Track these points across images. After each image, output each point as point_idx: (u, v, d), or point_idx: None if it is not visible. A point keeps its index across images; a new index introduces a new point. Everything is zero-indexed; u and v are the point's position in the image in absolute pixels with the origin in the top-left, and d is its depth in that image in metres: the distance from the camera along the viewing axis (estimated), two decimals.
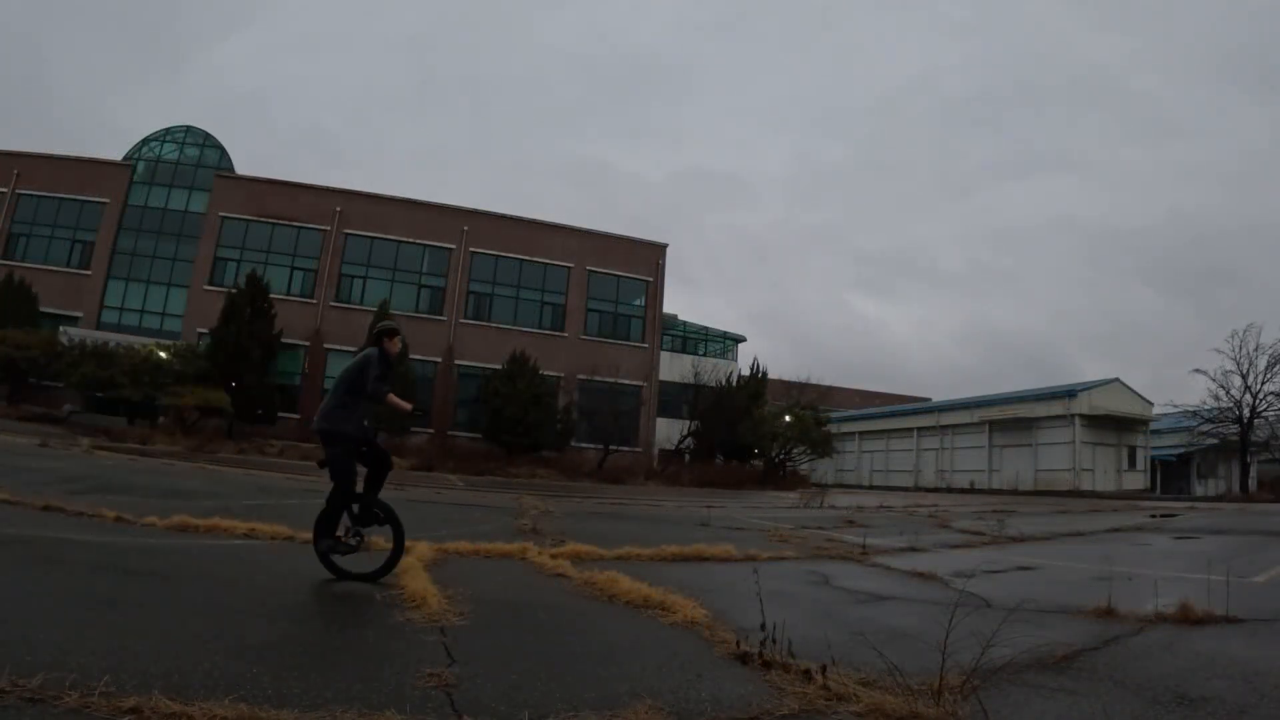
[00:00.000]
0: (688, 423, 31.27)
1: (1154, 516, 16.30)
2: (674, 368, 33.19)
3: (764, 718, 2.75)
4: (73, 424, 20.67)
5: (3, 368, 21.88)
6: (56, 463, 11.23)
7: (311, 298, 27.14)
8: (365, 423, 5.14)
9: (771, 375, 34.13)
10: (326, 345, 26.43)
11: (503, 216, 29.55)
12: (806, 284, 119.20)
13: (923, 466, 46.56)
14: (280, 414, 24.65)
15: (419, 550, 5.70)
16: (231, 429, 22.96)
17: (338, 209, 27.67)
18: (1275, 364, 33.71)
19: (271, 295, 24.99)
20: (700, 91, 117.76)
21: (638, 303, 30.86)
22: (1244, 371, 34.47)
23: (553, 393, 26.99)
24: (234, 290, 24.53)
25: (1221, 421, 35.50)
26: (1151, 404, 40.20)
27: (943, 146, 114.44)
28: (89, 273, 26.11)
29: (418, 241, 28.33)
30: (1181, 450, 41.38)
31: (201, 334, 24.92)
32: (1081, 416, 37.98)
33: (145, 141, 28.06)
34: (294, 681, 2.73)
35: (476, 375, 27.38)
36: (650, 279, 30.87)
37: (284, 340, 25.24)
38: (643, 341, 30.45)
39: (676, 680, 3.12)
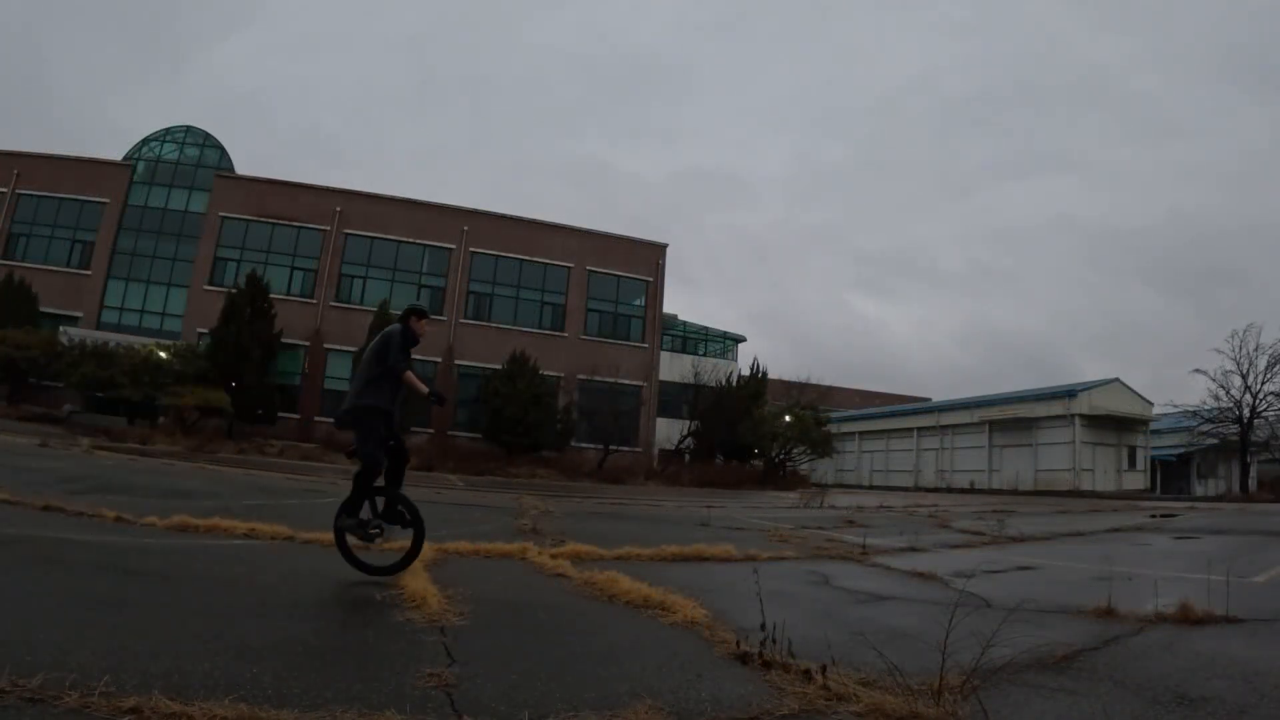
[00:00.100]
0: (688, 423, 31.29)
1: (1154, 516, 16.29)
2: (674, 368, 33.19)
3: (764, 718, 2.74)
4: (73, 424, 20.68)
5: (3, 368, 21.89)
6: (56, 463, 11.23)
7: (311, 298, 27.15)
8: (396, 404, 5.10)
9: (771, 375, 34.19)
10: (326, 345, 26.47)
11: (503, 216, 29.56)
12: (806, 284, 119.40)
13: (923, 466, 46.57)
14: (280, 414, 24.69)
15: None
16: (231, 429, 22.98)
17: (338, 209, 27.69)
18: (1275, 364, 33.77)
19: (271, 295, 25.03)
20: (700, 91, 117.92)
21: (638, 303, 30.87)
22: (1244, 371, 34.55)
23: (553, 393, 27.01)
24: (234, 290, 24.56)
25: (1221, 421, 35.50)
26: (1151, 404, 40.22)
27: (943, 146, 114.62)
28: (89, 273, 26.13)
29: (418, 241, 28.36)
30: (1181, 450, 41.38)
31: (201, 334, 24.94)
32: (1081, 416, 37.98)
33: (145, 141, 28.09)
34: (294, 681, 2.73)
35: (476, 375, 27.40)
36: (650, 279, 30.89)
37: (284, 340, 25.28)
38: (643, 341, 30.46)
39: (676, 680, 3.12)
